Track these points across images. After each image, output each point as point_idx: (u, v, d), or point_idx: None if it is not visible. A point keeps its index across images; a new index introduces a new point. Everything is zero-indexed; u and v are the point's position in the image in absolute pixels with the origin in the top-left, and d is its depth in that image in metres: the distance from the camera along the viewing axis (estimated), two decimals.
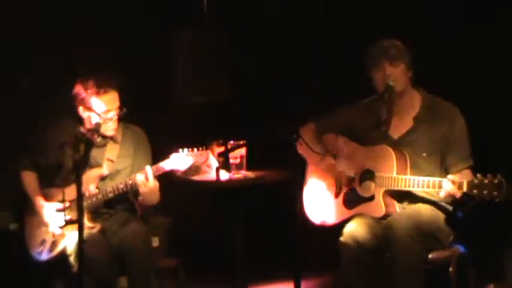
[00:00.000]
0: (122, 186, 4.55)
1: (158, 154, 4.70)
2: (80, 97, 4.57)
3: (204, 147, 4.57)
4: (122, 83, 4.62)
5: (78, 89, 4.58)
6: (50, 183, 4.65)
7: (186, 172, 4.68)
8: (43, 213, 4.58)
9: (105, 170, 4.64)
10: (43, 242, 4.60)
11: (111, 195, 4.57)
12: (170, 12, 5.94)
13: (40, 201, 4.60)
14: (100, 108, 4.55)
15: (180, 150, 4.53)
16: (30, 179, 4.67)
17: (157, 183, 4.55)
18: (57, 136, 4.50)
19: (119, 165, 4.67)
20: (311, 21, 6.09)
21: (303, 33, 6.09)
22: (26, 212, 4.68)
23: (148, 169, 4.51)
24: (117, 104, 4.59)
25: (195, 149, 4.55)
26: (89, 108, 4.56)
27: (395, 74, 4.34)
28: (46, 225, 4.58)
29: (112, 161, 4.67)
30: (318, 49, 6.04)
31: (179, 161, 4.53)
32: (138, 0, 5.91)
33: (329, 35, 6.01)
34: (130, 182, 4.53)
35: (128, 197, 4.67)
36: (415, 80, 4.45)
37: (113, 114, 4.58)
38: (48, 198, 4.62)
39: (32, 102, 5.54)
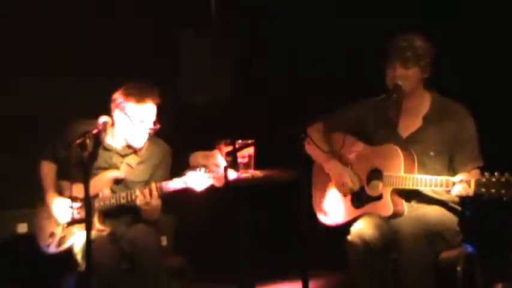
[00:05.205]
0: (123, 195, 4.52)
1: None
2: (118, 101, 4.53)
3: (220, 169, 4.45)
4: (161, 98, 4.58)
5: (119, 94, 4.55)
6: (66, 177, 4.58)
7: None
8: (53, 206, 4.59)
9: (122, 172, 4.61)
10: (52, 235, 4.61)
11: (123, 201, 4.53)
12: (175, 11, 5.96)
13: (53, 194, 4.61)
14: (136, 117, 4.52)
15: (198, 169, 4.44)
16: (48, 169, 4.66)
17: (159, 203, 4.50)
18: (81, 133, 4.35)
19: (133, 175, 4.63)
20: (316, 21, 6.11)
21: (309, 32, 6.10)
22: (38, 202, 4.67)
23: (153, 187, 4.46)
24: (153, 117, 4.56)
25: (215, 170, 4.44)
26: (125, 114, 4.52)
27: (405, 76, 4.32)
28: (55, 218, 4.59)
29: (131, 166, 4.63)
30: (322, 49, 6.05)
31: (195, 180, 4.44)
32: None
33: (334, 34, 6.03)
34: (134, 196, 4.48)
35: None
36: (429, 82, 4.42)
37: (146, 127, 4.55)
38: (62, 191, 4.63)
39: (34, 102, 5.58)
